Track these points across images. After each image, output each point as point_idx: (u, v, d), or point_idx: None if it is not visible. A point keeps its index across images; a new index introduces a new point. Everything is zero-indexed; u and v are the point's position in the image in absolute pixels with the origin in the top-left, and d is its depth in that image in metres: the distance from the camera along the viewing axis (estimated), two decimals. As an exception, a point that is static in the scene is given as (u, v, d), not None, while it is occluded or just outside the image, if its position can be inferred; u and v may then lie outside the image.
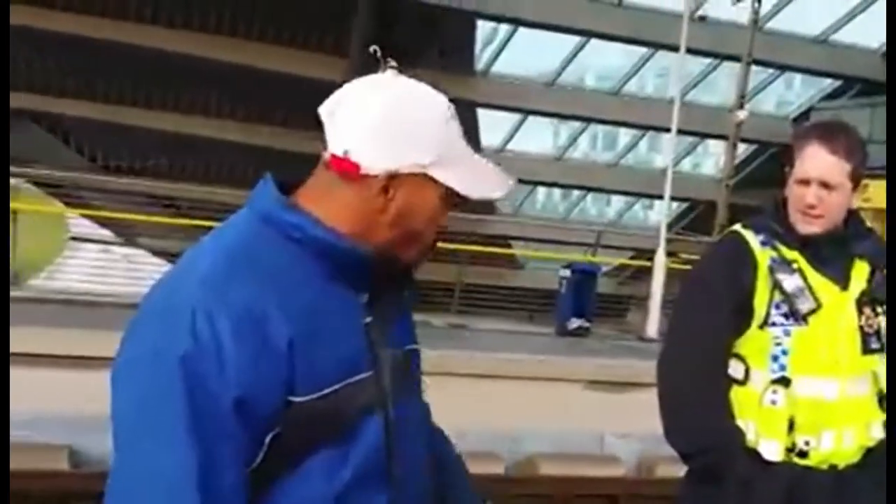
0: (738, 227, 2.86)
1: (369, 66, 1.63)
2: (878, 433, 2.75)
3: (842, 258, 2.75)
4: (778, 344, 2.66)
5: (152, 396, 1.43)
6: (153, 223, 16.20)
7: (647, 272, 14.04)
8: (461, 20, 19.00)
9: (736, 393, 2.72)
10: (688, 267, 10.20)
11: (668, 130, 15.26)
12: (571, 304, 12.67)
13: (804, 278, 2.69)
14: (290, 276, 1.53)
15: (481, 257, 15.53)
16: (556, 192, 29.12)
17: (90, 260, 15.18)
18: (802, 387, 2.65)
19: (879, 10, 19.63)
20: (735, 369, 2.73)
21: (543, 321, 13.39)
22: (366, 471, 1.56)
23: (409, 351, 1.72)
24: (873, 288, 2.75)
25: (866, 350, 2.71)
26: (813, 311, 2.66)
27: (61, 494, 6.14)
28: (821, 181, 2.66)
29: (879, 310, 2.74)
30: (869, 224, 2.84)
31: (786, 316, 2.66)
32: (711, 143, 25.66)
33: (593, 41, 20.95)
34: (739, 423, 2.69)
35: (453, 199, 1.62)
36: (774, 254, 2.72)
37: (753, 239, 2.76)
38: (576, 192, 27.52)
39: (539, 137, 25.96)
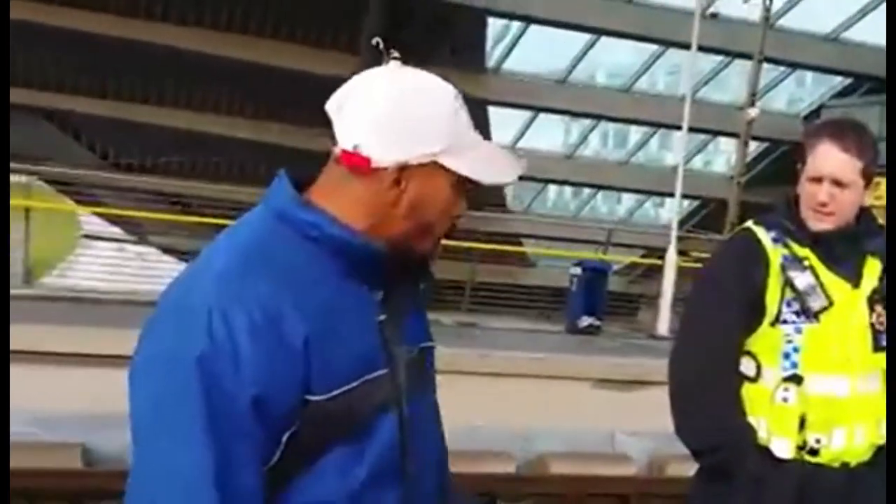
0: (749, 224, 2.84)
1: (380, 63, 1.63)
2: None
3: (854, 256, 2.75)
4: (789, 341, 2.66)
5: (169, 396, 1.44)
6: (163, 220, 16.21)
7: (657, 270, 14.04)
8: (472, 18, 18.97)
9: (747, 390, 2.72)
10: (699, 265, 10.18)
11: (679, 128, 15.25)
12: (582, 302, 12.68)
13: (816, 276, 2.68)
14: (305, 275, 1.53)
15: (492, 255, 15.50)
16: (567, 189, 29.09)
17: (102, 258, 15.20)
18: (814, 384, 2.65)
19: (891, 7, 19.54)
20: (746, 367, 2.72)
21: (554, 319, 13.39)
22: (380, 468, 1.56)
23: (423, 348, 1.72)
24: (884, 285, 2.74)
25: (877, 347, 2.70)
26: (824, 309, 2.65)
27: (74, 492, 6.12)
28: (833, 179, 2.66)
29: (891, 307, 2.74)
30: (881, 221, 2.84)
31: (797, 313, 2.66)
32: (722, 140, 25.58)
33: (604, 38, 20.88)
34: (751, 420, 2.69)
35: (465, 186, 1.61)
36: (786, 251, 2.71)
37: (765, 236, 2.75)
38: (586, 190, 27.44)
39: (550, 135, 25.97)
